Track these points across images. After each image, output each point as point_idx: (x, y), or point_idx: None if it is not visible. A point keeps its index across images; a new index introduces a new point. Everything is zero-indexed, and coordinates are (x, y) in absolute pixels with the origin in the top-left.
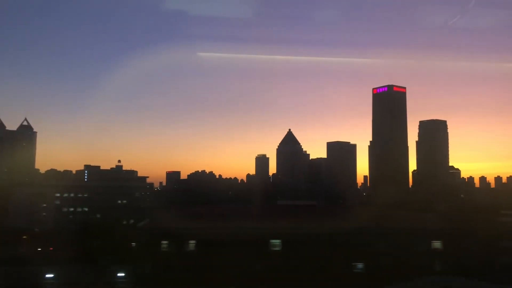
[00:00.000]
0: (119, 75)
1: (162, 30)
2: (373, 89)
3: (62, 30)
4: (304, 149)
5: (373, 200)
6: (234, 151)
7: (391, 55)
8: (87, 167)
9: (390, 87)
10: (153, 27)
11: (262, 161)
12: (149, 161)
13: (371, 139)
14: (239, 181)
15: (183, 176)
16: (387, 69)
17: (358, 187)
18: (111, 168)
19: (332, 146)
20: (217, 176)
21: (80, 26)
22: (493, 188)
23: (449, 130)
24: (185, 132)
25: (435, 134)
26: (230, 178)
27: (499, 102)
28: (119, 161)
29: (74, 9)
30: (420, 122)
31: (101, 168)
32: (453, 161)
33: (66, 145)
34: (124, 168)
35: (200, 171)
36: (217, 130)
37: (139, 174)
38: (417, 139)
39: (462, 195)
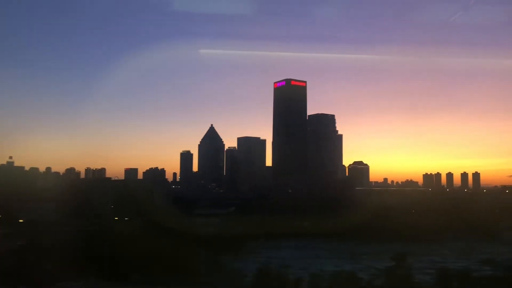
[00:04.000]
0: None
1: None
2: (274, 83)
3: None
4: (230, 145)
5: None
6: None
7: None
8: None
9: (288, 81)
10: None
11: (186, 157)
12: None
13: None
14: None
15: (140, 173)
16: (295, 63)
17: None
18: (1, 164)
19: (242, 141)
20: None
21: (81, 26)
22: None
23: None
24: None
25: (322, 129)
26: None
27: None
28: (11, 157)
29: (78, 8)
30: (309, 116)
31: None
32: (361, 157)
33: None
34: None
35: (153, 168)
36: (162, 126)
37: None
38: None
39: None
